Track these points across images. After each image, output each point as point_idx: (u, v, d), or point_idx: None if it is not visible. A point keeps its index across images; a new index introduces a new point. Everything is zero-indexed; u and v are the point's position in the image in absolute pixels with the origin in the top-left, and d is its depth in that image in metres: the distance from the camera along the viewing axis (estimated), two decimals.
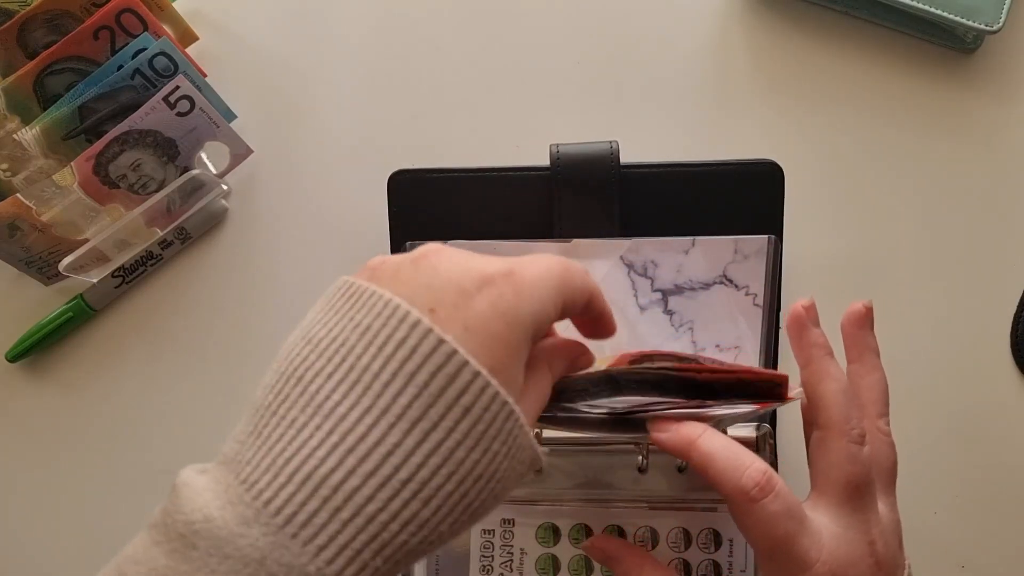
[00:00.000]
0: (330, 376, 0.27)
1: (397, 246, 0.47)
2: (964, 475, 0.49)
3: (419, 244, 0.45)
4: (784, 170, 0.47)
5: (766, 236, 0.45)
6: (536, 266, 0.30)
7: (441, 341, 0.27)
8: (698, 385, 0.37)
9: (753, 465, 0.34)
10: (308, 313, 0.31)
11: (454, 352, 0.27)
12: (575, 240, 0.46)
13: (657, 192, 0.47)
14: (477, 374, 0.27)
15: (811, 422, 0.37)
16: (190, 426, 0.52)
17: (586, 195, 0.46)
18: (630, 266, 0.46)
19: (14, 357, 0.52)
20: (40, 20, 0.50)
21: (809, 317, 0.38)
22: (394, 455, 0.26)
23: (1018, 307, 0.51)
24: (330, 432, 0.26)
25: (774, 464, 0.44)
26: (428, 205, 0.47)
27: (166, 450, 0.52)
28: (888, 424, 0.38)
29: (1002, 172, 0.52)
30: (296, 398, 0.27)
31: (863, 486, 0.35)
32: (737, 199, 0.47)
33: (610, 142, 0.46)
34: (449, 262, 0.29)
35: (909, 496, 0.48)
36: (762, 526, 0.34)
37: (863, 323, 0.39)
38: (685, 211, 0.46)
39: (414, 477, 0.26)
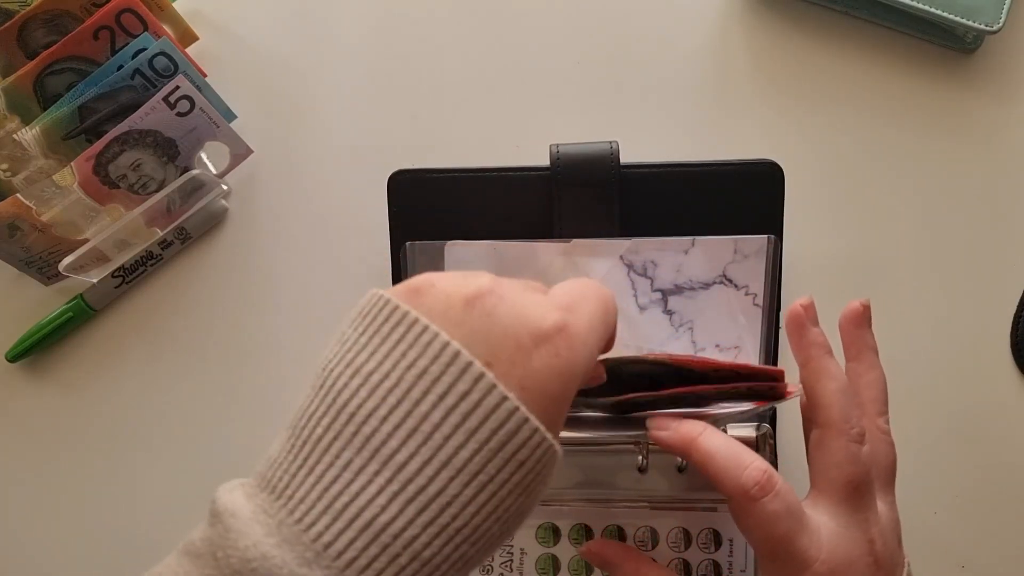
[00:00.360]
0: (385, 419, 0.27)
1: (397, 246, 0.47)
2: (964, 475, 0.49)
3: (417, 244, 0.46)
4: (784, 170, 0.47)
5: (766, 236, 0.45)
6: (587, 310, 0.30)
7: (504, 398, 0.27)
8: (695, 377, 0.37)
9: (753, 464, 0.34)
10: (344, 328, 0.30)
11: (516, 409, 0.27)
12: (575, 240, 0.46)
13: (657, 192, 0.47)
14: (536, 430, 0.27)
15: (810, 420, 0.37)
16: (190, 426, 0.52)
17: (586, 195, 0.46)
18: (630, 266, 0.46)
19: (14, 357, 0.52)
20: (40, 20, 0.50)
21: (808, 316, 0.38)
22: (452, 506, 0.26)
23: (1018, 307, 0.51)
24: (390, 480, 0.26)
25: (774, 464, 0.44)
26: (428, 205, 0.47)
27: (166, 450, 0.52)
28: (887, 423, 0.38)
29: (1002, 172, 0.52)
30: (350, 438, 0.27)
31: (862, 485, 0.35)
32: (737, 199, 0.47)
33: (610, 142, 0.46)
34: (506, 311, 0.28)
35: (909, 496, 0.48)
36: (762, 525, 0.34)
37: (861, 321, 0.39)
38: (685, 211, 0.47)
39: (468, 524, 0.27)
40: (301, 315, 0.52)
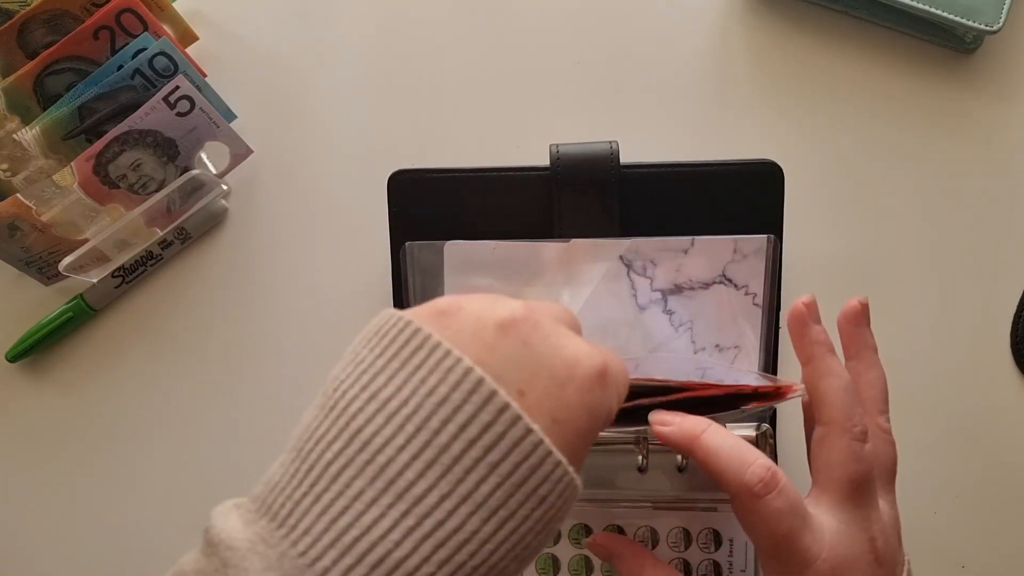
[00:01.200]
0: (402, 449, 0.25)
1: (397, 246, 0.47)
2: (964, 475, 0.49)
3: (417, 244, 0.46)
4: (784, 170, 0.47)
5: (765, 236, 0.45)
6: (617, 360, 0.30)
7: (529, 431, 0.26)
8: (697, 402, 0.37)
9: (757, 461, 0.34)
10: (357, 347, 0.28)
11: (540, 442, 0.26)
12: (575, 240, 0.46)
13: (657, 192, 0.47)
14: (558, 464, 0.26)
15: (813, 419, 0.37)
16: (190, 426, 0.52)
17: (586, 195, 0.46)
18: (629, 266, 0.46)
19: (14, 357, 0.52)
20: (40, 20, 0.50)
21: (810, 314, 0.37)
22: (470, 542, 0.25)
23: (1018, 307, 0.51)
24: (404, 514, 0.25)
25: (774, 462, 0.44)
26: (428, 205, 0.47)
27: (166, 450, 0.52)
28: (888, 421, 0.38)
29: (1002, 172, 0.52)
30: (363, 466, 0.25)
31: (864, 483, 0.35)
32: (737, 199, 0.47)
33: (610, 142, 0.46)
34: (541, 340, 0.27)
35: (909, 496, 0.48)
36: (765, 522, 0.34)
37: (859, 320, 0.39)
38: (685, 211, 0.46)
39: (486, 562, 0.25)
40: (301, 315, 0.52)
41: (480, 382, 0.26)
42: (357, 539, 0.24)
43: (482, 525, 0.25)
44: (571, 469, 0.27)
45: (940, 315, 0.51)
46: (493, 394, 0.26)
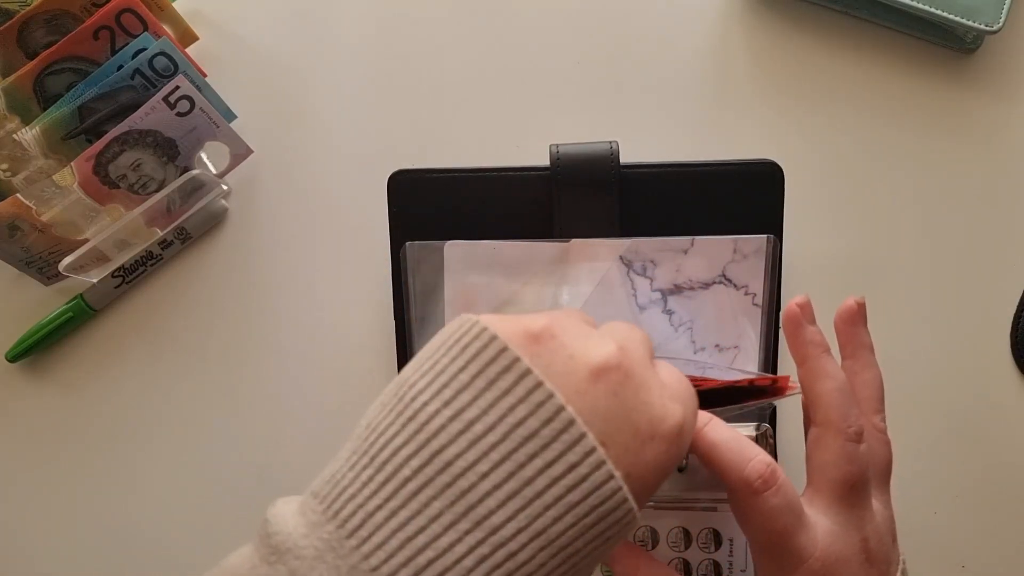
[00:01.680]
0: (485, 476, 0.25)
1: (397, 246, 0.47)
2: (964, 475, 0.49)
3: (417, 244, 0.46)
4: (784, 170, 0.47)
5: (765, 236, 0.45)
6: (692, 411, 0.30)
7: (611, 476, 0.26)
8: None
9: (757, 457, 0.34)
10: (436, 354, 0.28)
11: (620, 489, 0.26)
12: (574, 240, 0.46)
13: (657, 192, 0.47)
14: (629, 511, 0.27)
15: (809, 419, 0.37)
16: (190, 426, 0.52)
17: (586, 195, 0.46)
18: (629, 266, 0.46)
19: (14, 357, 0.52)
20: (40, 20, 0.50)
21: (804, 315, 0.37)
22: (536, 575, 0.26)
23: (1018, 307, 0.51)
24: (481, 542, 0.25)
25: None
26: (428, 205, 0.47)
27: (166, 450, 0.52)
28: (884, 421, 0.39)
29: (1002, 172, 0.52)
30: (442, 488, 0.25)
31: (859, 484, 0.35)
32: (737, 199, 0.47)
33: (610, 142, 0.46)
34: (631, 395, 0.28)
35: (909, 496, 0.48)
36: (762, 519, 0.34)
37: (856, 319, 0.39)
38: (685, 211, 0.47)
39: None
40: (301, 315, 0.52)
41: (571, 423, 0.26)
42: (431, 561, 0.24)
43: (549, 559, 0.26)
44: (639, 515, 0.27)
45: (940, 315, 0.51)
46: (582, 436, 0.26)
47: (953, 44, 0.53)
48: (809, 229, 0.51)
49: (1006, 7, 0.50)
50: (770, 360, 0.47)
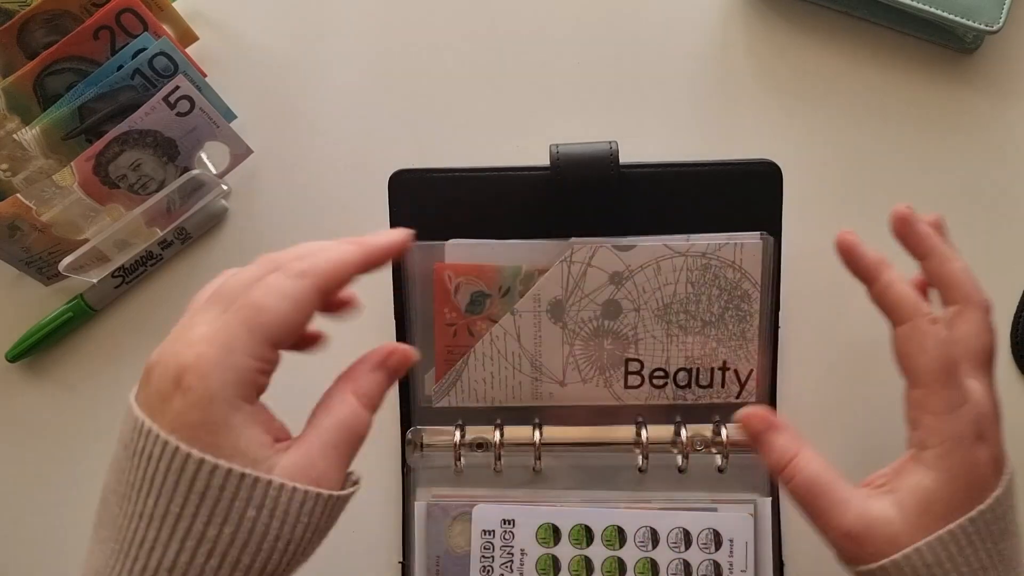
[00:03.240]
0: (113, 492, 0.31)
1: None
2: None
3: (419, 244, 0.46)
4: (783, 169, 0.47)
5: (763, 235, 0.46)
6: (214, 334, 0.32)
7: (159, 438, 0.30)
8: None
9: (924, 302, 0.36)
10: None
11: (167, 443, 0.29)
12: (574, 239, 0.46)
13: (656, 192, 0.47)
14: (188, 457, 0.29)
15: (944, 300, 0.39)
16: None
17: (585, 195, 0.46)
18: (628, 265, 0.46)
19: (14, 357, 0.52)
20: (40, 20, 0.50)
21: (912, 213, 0.39)
22: (155, 550, 0.29)
23: (1018, 307, 0.51)
24: (115, 539, 0.30)
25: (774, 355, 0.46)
26: (428, 205, 0.47)
27: None
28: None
29: (1002, 172, 0.52)
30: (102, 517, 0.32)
31: (993, 355, 0.39)
32: (736, 199, 0.47)
33: (609, 142, 0.46)
34: (160, 373, 0.31)
35: None
36: (939, 346, 0.36)
37: (913, 221, 0.39)
38: (684, 211, 0.47)
39: (176, 564, 0.29)
40: None
41: (130, 411, 0.32)
42: (98, 571, 0.32)
43: (157, 533, 0.30)
44: (209, 456, 0.30)
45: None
46: (137, 420, 0.32)
47: (953, 44, 0.53)
48: (808, 228, 0.51)
49: (1006, 7, 0.50)
50: (769, 360, 0.47)
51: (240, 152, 0.53)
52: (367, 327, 0.52)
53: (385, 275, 0.48)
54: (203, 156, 0.52)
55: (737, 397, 0.47)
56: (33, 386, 0.53)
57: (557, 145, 0.47)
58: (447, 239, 0.46)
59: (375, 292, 0.51)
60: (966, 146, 0.52)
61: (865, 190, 0.52)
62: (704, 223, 0.46)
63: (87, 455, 0.52)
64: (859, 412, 0.50)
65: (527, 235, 0.46)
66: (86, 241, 0.50)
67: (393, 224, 0.47)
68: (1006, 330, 0.51)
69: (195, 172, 0.51)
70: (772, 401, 0.47)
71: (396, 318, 0.48)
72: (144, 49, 0.49)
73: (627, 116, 0.54)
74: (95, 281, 0.52)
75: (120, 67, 0.49)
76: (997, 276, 0.51)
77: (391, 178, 0.47)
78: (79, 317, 0.52)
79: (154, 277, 0.53)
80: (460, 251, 0.46)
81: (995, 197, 0.52)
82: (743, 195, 0.47)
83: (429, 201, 0.47)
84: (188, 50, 0.54)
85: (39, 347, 0.52)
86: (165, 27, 0.52)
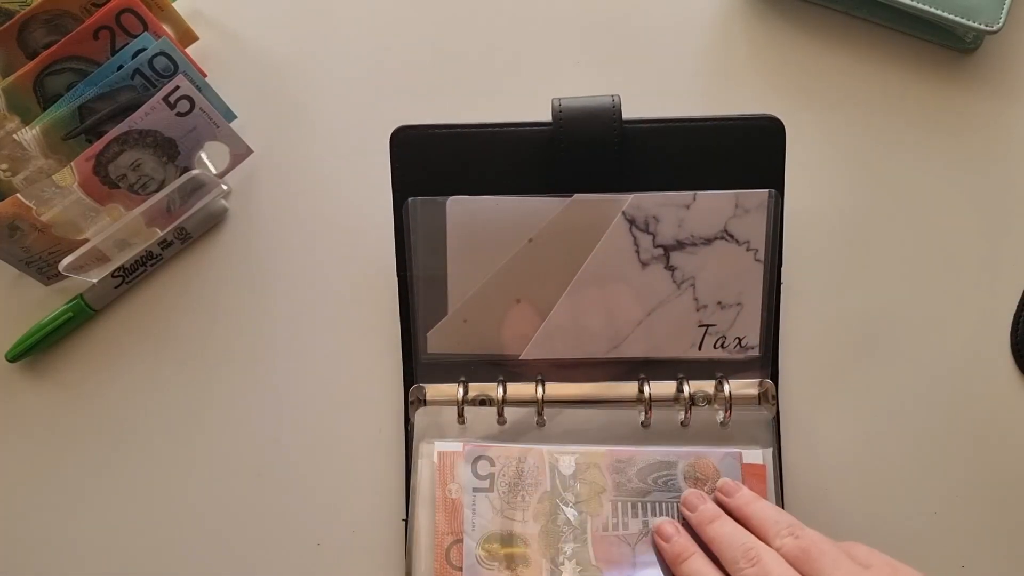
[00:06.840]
0: None
1: (399, 202, 0.47)
2: (964, 475, 0.49)
3: (419, 200, 0.45)
4: (785, 173, 0.47)
5: (767, 191, 0.45)
6: None
7: None
8: None
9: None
10: None
11: None
12: (577, 195, 0.46)
13: (659, 147, 0.46)
14: None
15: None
16: (190, 426, 0.52)
17: (588, 150, 0.46)
18: (632, 221, 0.46)
19: (14, 357, 0.52)
20: (40, 20, 0.50)
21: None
22: None
23: (1018, 307, 0.51)
24: None
25: (776, 417, 0.46)
26: (430, 161, 0.47)
27: (166, 449, 0.52)
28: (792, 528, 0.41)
29: (1002, 172, 0.52)
30: None
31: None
32: (738, 154, 0.46)
33: (612, 96, 0.46)
34: None
35: (909, 496, 0.48)
36: None
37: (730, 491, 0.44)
38: (687, 166, 0.46)
39: None
40: (301, 315, 0.52)
41: None
42: None
43: None
44: None
45: (940, 315, 0.51)
46: None
47: (953, 44, 0.53)
48: (810, 185, 0.51)
49: (1006, 7, 0.50)
50: (771, 315, 0.47)
51: (240, 152, 0.53)
52: (368, 327, 0.52)
53: (385, 276, 0.48)
54: (203, 156, 0.52)
55: (739, 352, 0.47)
56: (33, 386, 0.53)
57: (559, 99, 0.46)
58: (450, 195, 0.46)
59: (375, 294, 0.52)
60: (966, 146, 0.52)
61: (865, 190, 0.52)
62: (707, 179, 0.46)
63: (87, 455, 0.52)
64: (861, 367, 0.50)
65: (529, 190, 0.46)
66: (86, 241, 0.50)
67: (395, 181, 0.47)
68: (1006, 330, 0.51)
69: (195, 172, 0.51)
70: (774, 356, 0.47)
71: (399, 275, 0.47)
72: (144, 49, 0.49)
73: (630, 76, 0.54)
74: (95, 281, 0.52)
75: (120, 67, 0.49)
76: (997, 276, 0.51)
77: (393, 134, 0.47)
78: (79, 317, 0.52)
79: (154, 277, 0.53)
80: (462, 207, 0.46)
81: (995, 196, 0.52)
82: (746, 150, 0.46)
83: (431, 157, 0.47)
84: (188, 50, 0.54)
85: (39, 347, 0.52)
86: (165, 27, 0.52)
